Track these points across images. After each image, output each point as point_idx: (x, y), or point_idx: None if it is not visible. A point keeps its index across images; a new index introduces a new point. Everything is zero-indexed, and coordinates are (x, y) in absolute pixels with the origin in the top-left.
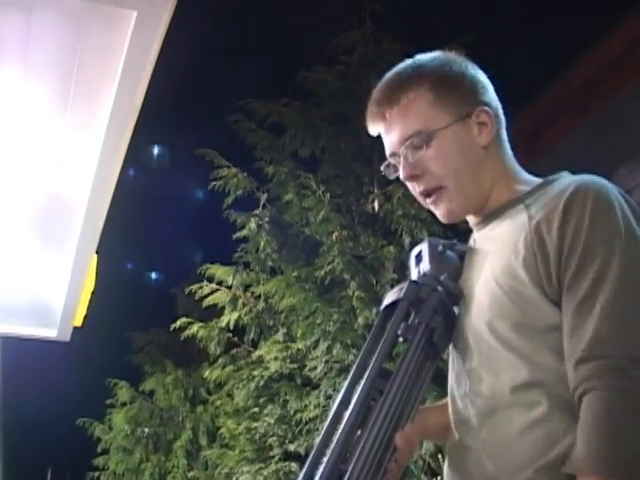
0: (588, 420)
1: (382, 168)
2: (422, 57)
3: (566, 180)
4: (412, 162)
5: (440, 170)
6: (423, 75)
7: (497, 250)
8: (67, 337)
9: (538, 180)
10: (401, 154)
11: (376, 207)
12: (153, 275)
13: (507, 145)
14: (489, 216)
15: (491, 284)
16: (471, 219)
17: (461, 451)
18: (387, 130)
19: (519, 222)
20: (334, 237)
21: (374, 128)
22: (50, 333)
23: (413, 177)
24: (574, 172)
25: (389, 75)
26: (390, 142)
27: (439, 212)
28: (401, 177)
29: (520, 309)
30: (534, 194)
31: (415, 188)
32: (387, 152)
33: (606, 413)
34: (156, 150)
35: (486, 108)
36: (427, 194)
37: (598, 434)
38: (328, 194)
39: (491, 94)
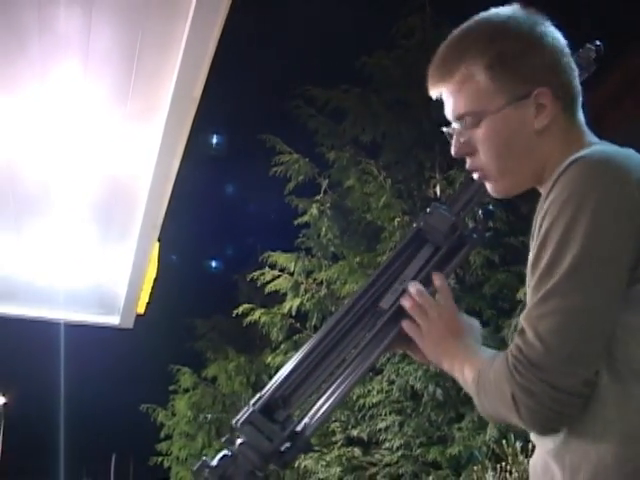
0: (497, 364)
1: (445, 130)
2: (489, 20)
3: (579, 152)
4: (462, 141)
5: (485, 153)
6: (480, 50)
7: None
8: (130, 324)
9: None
10: (454, 130)
11: (438, 192)
12: (214, 262)
13: (578, 117)
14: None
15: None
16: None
17: None
18: (444, 97)
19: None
20: (396, 223)
21: (432, 92)
22: (113, 320)
23: (462, 155)
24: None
25: (451, 38)
26: (446, 111)
27: (488, 188)
28: (452, 153)
29: None
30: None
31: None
32: (446, 115)
33: (496, 378)
34: (215, 138)
35: (545, 90)
36: (474, 170)
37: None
38: (389, 180)
39: (558, 70)
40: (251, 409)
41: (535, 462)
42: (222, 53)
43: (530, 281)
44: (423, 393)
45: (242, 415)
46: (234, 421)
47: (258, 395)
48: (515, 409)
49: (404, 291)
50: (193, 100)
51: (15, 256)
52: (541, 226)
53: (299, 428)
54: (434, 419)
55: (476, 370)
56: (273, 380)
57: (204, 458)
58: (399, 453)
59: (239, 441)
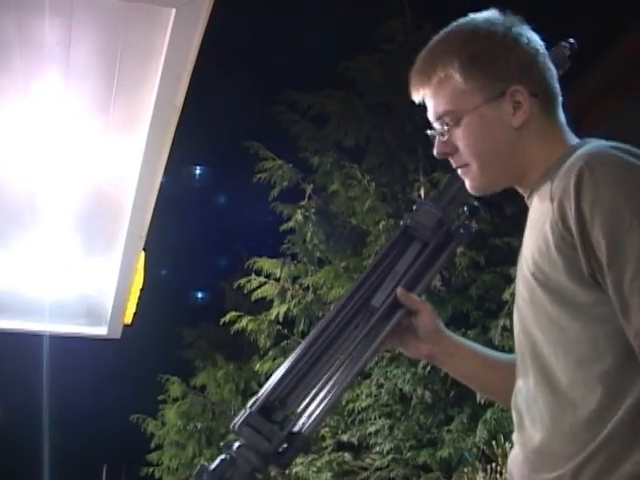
0: None
1: (429, 132)
2: (465, 25)
3: (582, 150)
4: (444, 140)
5: (465, 150)
6: (455, 52)
7: (531, 233)
8: (118, 335)
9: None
10: (436, 130)
11: (422, 194)
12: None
13: (557, 116)
14: (532, 191)
15: (527, 274)
16: (521, 191)
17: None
18: (426, 100)
19: (546, 202)
20: (381, 226)
21: (415, 97)
22: (100, 331)
23: (445, 154)
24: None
25: (429, 44)
26: (429, 114)
27: (466, 185)
28: (434, 153)
29: (555, 303)
30: (559, 166)
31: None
32: (429, 118)
33: None
34: (198, 169)
35: (520, 88)
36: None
37: None
38: (373, 183)
39: (534, 69)
40: (248, 411)
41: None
42: (203, 61)
43: (613, 277)
44: (412, 396)
45: (240, 417)
46: (232, 424)
47: (255, 397)
48: None
49: (394, 289)
50: (175, 109)
51: (0, 269)
52: (592, 226)
53: (296, 428)
54: (423, 422)
55: None
56: (269, 382)
57: (203, 463)
58: (389, 457)
59: (237, 444)
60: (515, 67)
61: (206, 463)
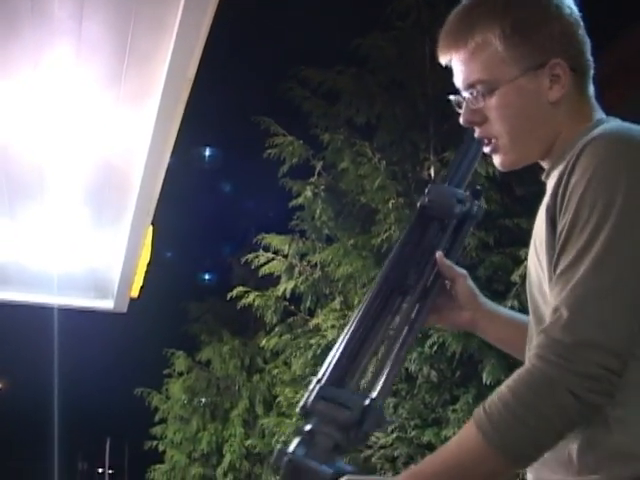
0: (513, 384)
1: (452, 97)
2: None
3: (595, 131)
4: (473, 109)
5: (497, 123)
6: (497, 17)
7: (540, 215)
8: (124, 308)
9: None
10: (464, 98)
11: (432, 174)
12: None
13: (588, 92)
14: (549, 171)
15: (534, 258)
16: (544, 165)
17: None
18: (454, 65)
19: (555, 182)
20: (390, 204)
21: (442, 59)
22: (107, 305)
23: (472, 123)
24: None
25: (466, 4)
26: (456, 79)
27: (495, 161)
28: (460, 121)
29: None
30: (573, 146)
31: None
32: (455, 83)
33: (533, 392)
34: (207, 151)
35: (560, 61)
36: (484, 140)
37: (511, 404)
38: (384, 161)
39: (574, 41)
40: (318, 386)
41: None
42: (214, 34)
43: (557, 259)
44: (417, 375)
45: (310, 394)
46: (301, 406)
47: (316, 378)
48: (577, 402)
49: (426, 267)
50: (187, 81)
51: (8, 241)
52: (567, 202)
53: (367, 401)
54: (428, 401)
55: (470, 428)
56: (328, 360)
57: (279, 447)
58: (394, 435)
59: (309, 425)
60: (557, 38)
61: (283, 447)
